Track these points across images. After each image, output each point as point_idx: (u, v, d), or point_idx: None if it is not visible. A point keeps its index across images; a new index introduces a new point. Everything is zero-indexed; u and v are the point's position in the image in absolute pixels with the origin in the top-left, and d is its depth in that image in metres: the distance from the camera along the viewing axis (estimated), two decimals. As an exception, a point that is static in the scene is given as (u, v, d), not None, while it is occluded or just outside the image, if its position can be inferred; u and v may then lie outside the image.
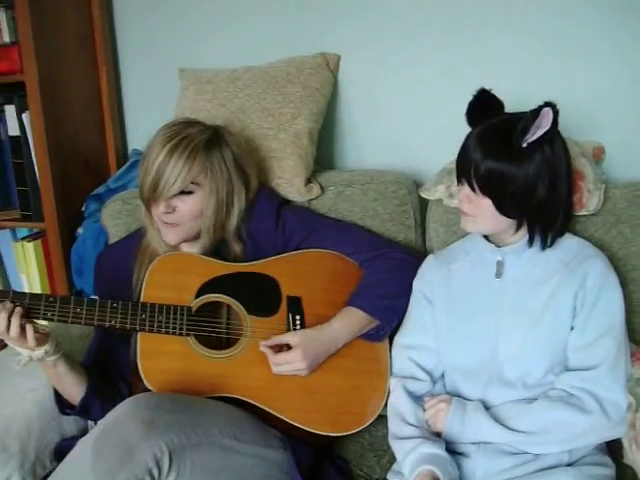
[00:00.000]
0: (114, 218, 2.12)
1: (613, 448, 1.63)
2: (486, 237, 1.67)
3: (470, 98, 1.60)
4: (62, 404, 1.79)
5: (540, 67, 2.08)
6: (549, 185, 1.53)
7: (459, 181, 1.60)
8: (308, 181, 2.04)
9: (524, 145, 1.49)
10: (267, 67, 2.18)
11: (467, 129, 1.60)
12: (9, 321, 1.57)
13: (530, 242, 1.60)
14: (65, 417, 1.84)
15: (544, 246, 1.61)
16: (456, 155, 1.60)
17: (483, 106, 1.58)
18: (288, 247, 1.86)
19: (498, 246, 1.65)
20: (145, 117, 2.40)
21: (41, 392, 1.84)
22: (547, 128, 1.48)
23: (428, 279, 1.75)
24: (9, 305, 1.58)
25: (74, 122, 2.34)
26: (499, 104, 1.60)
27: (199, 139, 1.74)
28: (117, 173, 2.39)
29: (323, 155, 2.26)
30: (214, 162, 1.76)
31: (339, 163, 2.35)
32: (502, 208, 1.55)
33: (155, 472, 1.45)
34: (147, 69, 2.48)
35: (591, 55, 2.05)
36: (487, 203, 1.55)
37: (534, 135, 1.49)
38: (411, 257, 1.84)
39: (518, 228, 1.60)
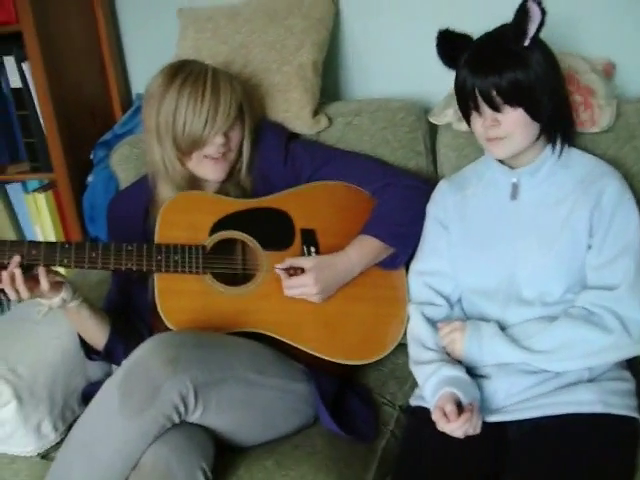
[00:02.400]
0: (123, 163, 2.13)
1: (633, 363, 1.63)
2: (500, 160, 1.65)
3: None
4: (87, 349, 1.81)
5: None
6: (554, 82, 1.56)
7: (476, 111, 1.56)
8: (315, 113, 2.01)
9: (526, 44, 1.50)
10: (266, 0, 2.14)
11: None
12: (12, 272, 1.58)
13: (553, 147, 1.60)
14: (90, 362, 1.87)
15: (561, 150, 1.61)
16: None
17: (452, 45, 1.60)
18: (299, 181, 1.85)
19: (512, 168, 1.63)
20: (147, 61, 2.34)
21: (64, 339, 1.87)
22: (540, 19, 1.49)
23: (442, 204, 1.74)
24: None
25: (76, 70, 2.32)
26: (466, 37, 1.61)
27: (220, 71, 1.76)
28: (123, 118, 2.37)
29: (329, 86, 2.21)
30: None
31: (345, 94, 2.31)
32: (536, 112, 1.53)
33: (182, 408, 1.48)
34: (146, 11, 2.43)
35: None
36: (519, 114, 1.52)
37: (532, 29, 1.49)
38: (423, 184, 1.83)
39: (538, 138, 1.58)
